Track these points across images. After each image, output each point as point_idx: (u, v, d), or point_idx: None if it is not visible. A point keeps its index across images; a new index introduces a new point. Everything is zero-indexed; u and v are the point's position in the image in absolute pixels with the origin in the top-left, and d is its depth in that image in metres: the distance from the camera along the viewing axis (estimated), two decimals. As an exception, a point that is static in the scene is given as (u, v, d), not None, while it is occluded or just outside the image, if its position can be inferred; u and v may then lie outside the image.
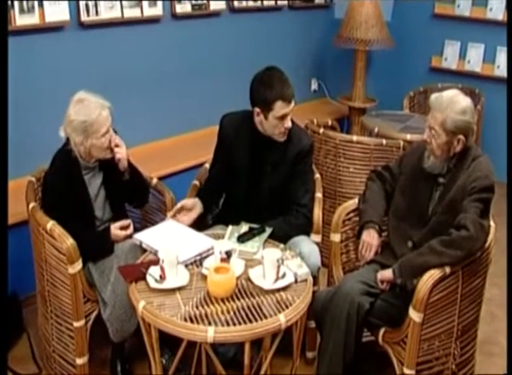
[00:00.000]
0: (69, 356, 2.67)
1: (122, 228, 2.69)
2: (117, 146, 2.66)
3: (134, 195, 2.90)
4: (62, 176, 2.65)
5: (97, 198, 2.76)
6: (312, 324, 2.79)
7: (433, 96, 2.54)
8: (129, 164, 2.77)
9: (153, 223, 3.06)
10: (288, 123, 2.69)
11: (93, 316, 2.64)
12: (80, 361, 2.62)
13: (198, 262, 2.46)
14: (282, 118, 2.66)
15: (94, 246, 2.61)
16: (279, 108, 2.64)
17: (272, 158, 2.79)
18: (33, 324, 3.06)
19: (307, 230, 2.82)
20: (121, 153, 2.67)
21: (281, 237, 2.69)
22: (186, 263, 2.42)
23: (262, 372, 2.32)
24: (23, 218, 2.87)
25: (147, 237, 2.60)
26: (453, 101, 2.46)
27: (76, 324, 2.57)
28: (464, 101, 2.48)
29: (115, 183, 2.78)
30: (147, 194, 2.95)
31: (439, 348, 2.49)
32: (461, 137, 2.45)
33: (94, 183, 2.74)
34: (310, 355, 2.96)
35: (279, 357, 2.59)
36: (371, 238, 2.71)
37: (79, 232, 2.53)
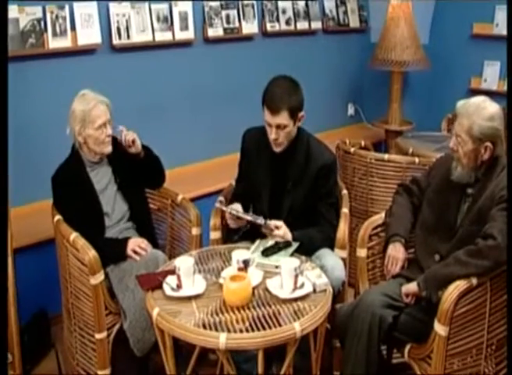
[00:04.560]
0: (92, 369, 2.68)
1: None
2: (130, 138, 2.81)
3: (151, 175, 3.02)
4: (65, 173, 2.76)
5: (106, 194, 2.82)
6: (339, 343, 2.72)
7: (460, 103, 2.48)
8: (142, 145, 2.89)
9: (179, 240, 3.07)
10: (273, 135, 2.65)
11: (115, 328, 2.64)
12: (101, 373, 2.62)
13: (216, 271, 2.44)
14: (269, 125, 2.64)
15: (106, 251, 2.63)
16: (265, 113, 2.64)
17: (292, 174, 2.76)
18: (61, 341, 3.08)
19: (330, 243, 2.77)
20: (132, 135, 2.82)
21: (304, 249, 2.65)
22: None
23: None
24: (52, 235, 2.91)
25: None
26: (480, 108, 2.40)
27: (97, 336, 2.58)
28: (492, 108, 2.41)
29: (128, 176, 2.88)
30: (163, 173, 3.07)
31: (468, 365, 2.39)
32: (489, 144, 2.38)
33: (101, 179, 2.83)
34: (337, 374, 2.88)
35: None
36: (396, 252, 2.65)
37: (89, 231, 2.60)
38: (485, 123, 2.37)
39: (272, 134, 2.65)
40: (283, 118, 2.60)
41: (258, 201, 2.83)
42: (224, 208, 2.69)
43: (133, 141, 2.82)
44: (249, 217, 2.62)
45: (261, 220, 2.60)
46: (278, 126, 2.62)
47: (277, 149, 2.72)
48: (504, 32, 4.94)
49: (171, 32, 3.83)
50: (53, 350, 3.10)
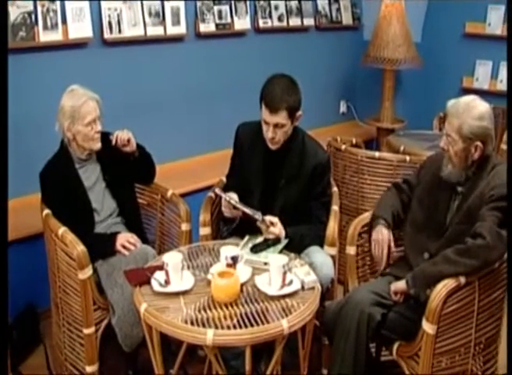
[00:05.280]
0: (80, 364, 2.68)
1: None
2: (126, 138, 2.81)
3: (142, 172, 3.03)
4: (53, 169, 2.75)
5: (94, 191, 2.82)
6: (327, 341, 2.72)
7: (450, 102, 2.48)
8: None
9: (168, 235, 3.07)
10: (270, 134, 2.64)
11: (103, 324, 2.64)
12: (89, 369, 2.62)
13: (205, 267, 2.44)
14: (267, 123, 2.63)
15: (95, 246, 2.62)
16: (263, 111, 2.63)
17: (286, 171, 2.76)
18: (50, 336, 3.07)
19: (320, 242, 2.77)
20: (127, 134, 2.81)
21: (294, 246, 2.65)
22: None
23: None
24: (41, 230, 2.90)
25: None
26: (470, 107, 2.40)
27: (86, 331, 2.57)
28: (482, 107, 2.41)
29: (117, 173, 2.87)
30: (154, 170, 3.08)
31: (456, 363, 2.40)
32: (479, 143, 2.38)
33: (90, 176, 2.82)
34: (325, 372, 2.88)
35: (294, 374, 2.55)
36: (379, 235, 2.65)
37: (78, 227, 2.59)
38: (474, 122, 2.37)
39: (269, 133, 2.64)
40: (282, 117, 2.60)
41: (249, 197, 2.80)
42: (223, 195, 2.67)
43: (128, 140, 2.80)
44: (247, 209, 2.60)
45: (258, 216, 2.59)
46: (275, 125, 2.62)
47: (273, 147, 2.71)
48: (497, 31, 4.98)
49: (163, 27, 3.81)
50: (41, 345, 3.09)
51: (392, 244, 2.66)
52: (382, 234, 2.64)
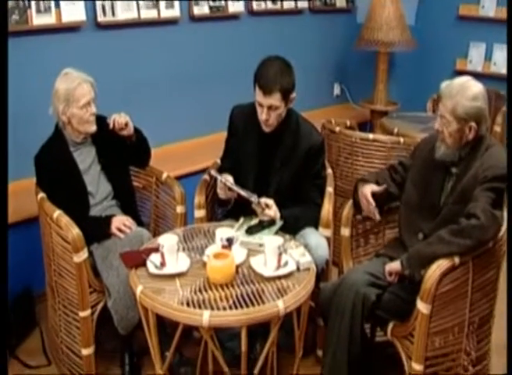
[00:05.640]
0: (76, 347, 2.68)
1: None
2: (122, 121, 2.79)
3: (138, 156, 3.02)
4: (48, 153, 2.75)
5: (89, 174, 2.81)
6: (322, 322, 2.74)
7: (444, 84, 2.48)
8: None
9: (163, 218, 3.07)
10: (263, 116, 2.63)
11: (99, 306, 2.64)
12: (85, 351, 2.62)
13: (200, 249, 2.44)
14: (261, 105, 2.62)
15: (90, 230, 2.62)
16: (257, 93, 2.62)
17: (281, 153, 2.76)
18: (46, 319, 3.08)
19: (315, 223, 2.77)
20: (125, 117, 2.79)
21: (289, 228, 2.66)
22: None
23: (260, 364, 2.28)
24: (36, 213, 2.89)
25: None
26: (464, 87, 2.40)
27: (81, 314, 2.58)
28: (476, 88, 2.41)
29: (112, 156, 2.87)
30: (149, 153, 3.07)
31: (450, 343, 2.42)
32: (473, 124, 2.38)
33: (85, 159, 2.81)
34: (321, 353, 2.89)
35: (289, 355, 2.59)
36: (364, 190, 2.68)
37: (73, 210, 2.58)
38: (468, 103, 2.36)
39: (262, 115, 2.64)
40: (276, 99, 2.59)
41: (244, 179, 2.79)
42: (218, 177, 2.67)
43: (126, 124, 2.79)
44: (242, 192, 2.60)
45: (254, 198, 2.59)
46: (269, 107, 2.61)
47: (267, 129, 2.71)
48: (490, 14, 4.98)
49: (156, 10, 3.78)
50: (37, 328, 3.10)
51: (375, 187, 2.69)
52: (367, 188, 2.68)
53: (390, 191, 2.73)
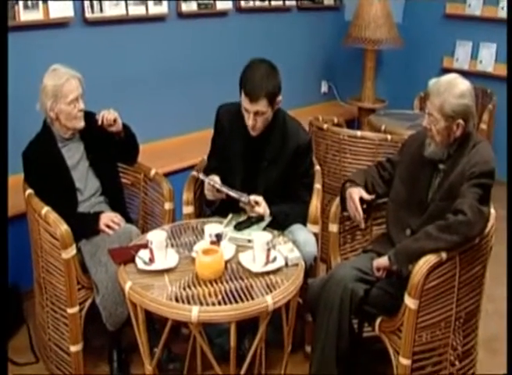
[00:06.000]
0: (64, 344, 2.66)
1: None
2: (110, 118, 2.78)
3: (127, 152, 3.02)
4: (36, 149, 2.74)
5: (78, 170, 2.81)
6: (311, 318, 2.75)
7: (431, 81, 2.50)
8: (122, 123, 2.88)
9: (151, 214, 3.07)
10: (250, 121, 2.62)
11: (87, 303, 2.63)
12: (74, 348, 2.61)
13: (189, 246, 2.45)
14: (247, 111, 2.62)
15: (78, 226, 2.61)
16: (243, 99, 2.61)
17: (268, 153, 2.75)
18: (33, 316, 3.06)
19: (303, 220, 2.78)
20: (113, 114, 2.79)
21: (278, 225, 2.67)
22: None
23: (248, 360, 2.28)
24: (23, 210, 2.88)
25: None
26: (451, 85, 2.41)
27: (70, 311, 2.56)
28: (463, 85, 2.42)
29: (101, 152, 2.86)
30: (138, 150, 3.06)
31: (437, 338, 2.43)
32: (460, 121, 2.40)
33: (73, 155, 2.81)
34: (309, 349, 2.91)
35: (278, 351, 2.59)
36: (353, 194, 2.68)
37: (61, 207, 2.57)
38: (456, 100, 2.38)
39: (249, 121, 2.63)
40: (262, 105, 2.58)
41: (232, 178, 2.79)
42: (206, 179, 2.67)
43: (115, 120, 2.78)
44: (231, 193, 2.60)
45: (245, 198, 2.59)
46: (256, 113, 2.60)
47: (254, 133, 2.70)
48: (476, 12, 5.03)
49: (144, 6, 3.78)
50: (25, 325, 3.09)
51: (365, 194, 2.70)
52: (354, 192, 2.68)
53: (377, 191, 2.75)
